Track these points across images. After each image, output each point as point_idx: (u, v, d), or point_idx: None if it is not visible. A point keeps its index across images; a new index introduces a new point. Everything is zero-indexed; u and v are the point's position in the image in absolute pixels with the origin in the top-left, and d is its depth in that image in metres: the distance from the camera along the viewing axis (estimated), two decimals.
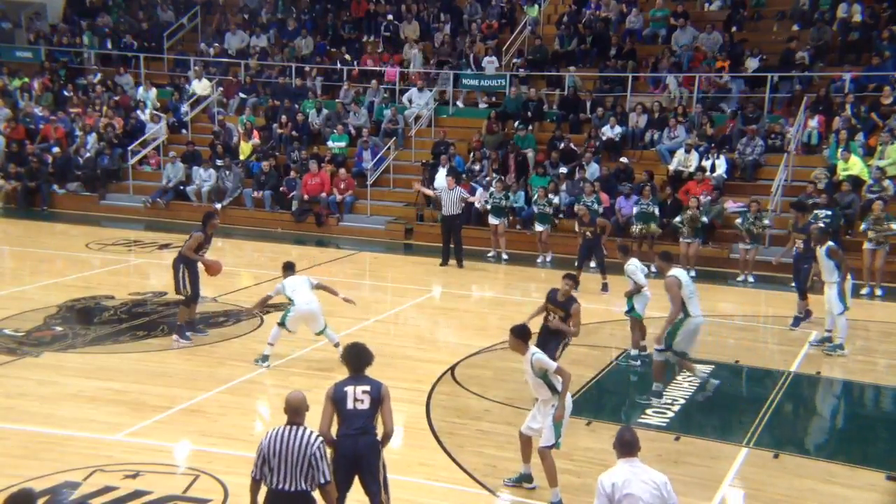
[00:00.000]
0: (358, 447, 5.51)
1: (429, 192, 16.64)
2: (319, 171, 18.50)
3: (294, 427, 4.92)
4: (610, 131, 18.19)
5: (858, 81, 17.53)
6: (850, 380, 8.79)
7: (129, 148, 20.38)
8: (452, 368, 9.48)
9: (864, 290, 13.27)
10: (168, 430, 7.78)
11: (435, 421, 8.08)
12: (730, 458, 7.39)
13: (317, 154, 19.26)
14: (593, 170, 17.13)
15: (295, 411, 5.00)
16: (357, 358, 5.74)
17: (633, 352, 9.97)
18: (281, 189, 18.73)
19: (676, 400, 8.69)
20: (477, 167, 18.13)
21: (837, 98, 17.31)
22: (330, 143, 19.65)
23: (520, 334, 6.49)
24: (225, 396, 8.64)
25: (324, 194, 18.32)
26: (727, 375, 9.69)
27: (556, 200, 16.37)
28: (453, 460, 7.26)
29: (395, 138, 19.50)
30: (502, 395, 8.72)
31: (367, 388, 5.60)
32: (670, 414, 8.33)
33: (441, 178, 18.22)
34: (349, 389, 5.58)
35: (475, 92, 20.80)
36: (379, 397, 5.59)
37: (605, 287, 13.28)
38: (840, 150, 15.72)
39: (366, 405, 5.55)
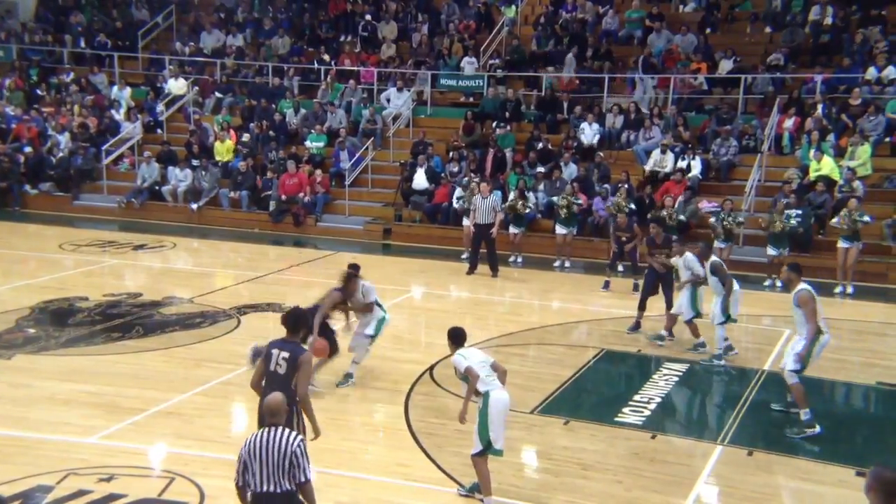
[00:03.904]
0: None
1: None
2: (297, 172, 18.44)
3: (272, 428, 4.92)
4: (587, 133, 18.30)
5: (829, 83, 17.81)
6: (821, 378, 8.90)
7: (104, 147, 20.17)
8: (431, 368, 9.49)
9: (836, 289, 13.48)
10: (143, 433, 7.71)
11: (413, 421, 8.09)
12: (705, 456, 7.48)
13: (294, 154, 19.20)
14: (571, 170, 17.23)
15: (272, 413, 5.00)
16: (293, 320, 6.05)
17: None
18: (258, 189, 18.67)
19: (653, 398, 8.77)
20: (455, 168, 18.17)
21: (809, 99, 17.57)
22: (308, 144, 19.58)
23: (449, 336, 6.67)
24: (201, 398, 8.58)
25: (302, 195, 18.26)
26: (702, 374, 9.82)
27: (533, 200, 16.45)
28: (432, 460, 7.27)
29: (373, 138, 19.48)
30: None
31: (287, 355, 5.87)
32: (647, 412, 8.40)
33: (420, 177, 18.27)
34: (274, 352, 5.93)
35: (453, 92, 20.83)
36: (295, 365, 5.83)
37: (634, 287, 12.91)
38: (812, 150, 15.96)
39: (283, 370, 5.83)
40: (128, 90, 22.14)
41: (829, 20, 19.26)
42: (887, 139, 16.38)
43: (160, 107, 21.53)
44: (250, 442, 4.89)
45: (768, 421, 8.39)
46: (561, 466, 7.25)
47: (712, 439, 7.88)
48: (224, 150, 19.85)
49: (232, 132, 20.12)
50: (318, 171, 18.61)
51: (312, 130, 19.74)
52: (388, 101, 20.42)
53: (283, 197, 18.27)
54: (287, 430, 4.94)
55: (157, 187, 19.34)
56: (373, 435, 8.06)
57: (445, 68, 20.91)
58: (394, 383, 9.04)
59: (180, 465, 6.99)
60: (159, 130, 21.38)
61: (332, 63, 21.90)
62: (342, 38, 23.06)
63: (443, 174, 18.13)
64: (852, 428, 8.36)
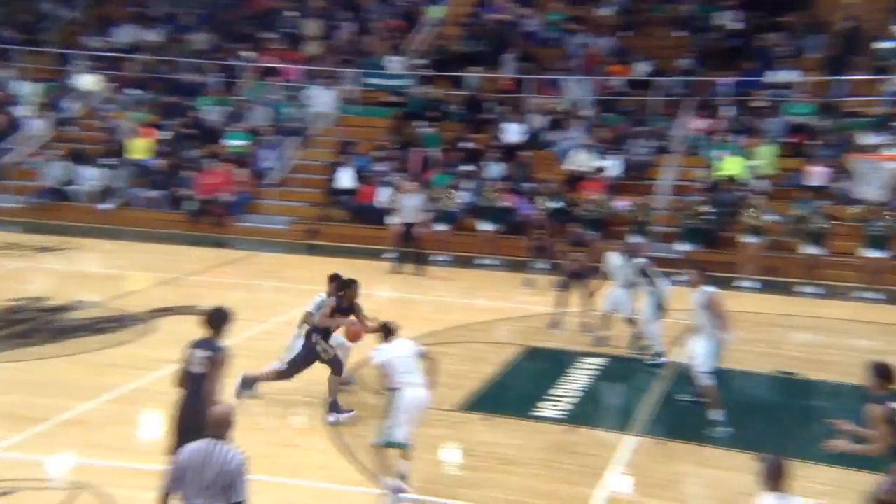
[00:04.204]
0: (185, 406, 5.81)
1: None
2: (217, 170, 18.14)
3: (215, 442, 4.65)
4: (510, 132, 18.66)
5: (737, 86, 18.67)
6: (727, 368, 9.39)
7: (8, 146, 19.33)
8: (356, 368, 9.57)
9: (743, 283, 14.21)
10: (48, 443, 7.40)
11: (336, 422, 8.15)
12: (618, 447, 7.83)
13: (214, 152, 18.88)
14: (496, 169, 17.56)
15: (217, 425, 4.73)
16: (215, 319, 6.01)
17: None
18: (174, 188, 18.27)
19: (572, 392, 9.09)
20: (381, 167, 18.24)
21: (717, 102, 18.40)
22: (228, 142, 19.28)
23: (383, 330, 7.01)
24: (110, 406, 8.33)
25: (222, 194, 17.98)
26: (619, 367, 10.23)
27: (458, 199, 16.70)
28: (355, 461, 7.34)
29: (297, 137, 19.34)
30: None
31: (207, 353, 5.85)
32: (565, 406, 8.72)
33: (347, 177, 18.25)
34: (194, 351, 5.88)
35: (380, 91, 20.86)
36: (213, 363, 5.81)
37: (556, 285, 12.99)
38: (720, 151, 16.75)
39: (201, 369, 5.81)
40: (34, 86, 21.26)
41: (734, 25, 20.16)
42: (788, 139, 17.32)
43: (70, 103, 20.77)
44: (190, 451, 4.63)
45: (677, 411, 8.83)
46: (482, 462, 7.47)
47: (626, 430, 8.25)
48: (139, 148, 19.33)
49: (148, 130, 19.61)
50: (239, 170, 18.36)
51: (233, 128, 19.45)
52: (313, 99, 20.30)
53: (202, 196, 17.95)
54: (230, 448, 4.67)
55: (65, 187, 18.69)
56: (291, 438, 7.97)
57: (371, 67, 20.92)
58: (318, 384, 9.05)
59: (89, 477, 6.73)
60: (69, 128, 20.65)
61: (254, 60, 21.61)
62: (264, 35, 22.78)
63: (369, 173, 18.18)
64: (753, 415, 8.86)
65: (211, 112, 20.09)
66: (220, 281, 13.87)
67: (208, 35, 22.66)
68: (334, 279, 8.66)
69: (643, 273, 10.19)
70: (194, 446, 4.68)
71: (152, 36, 22.87)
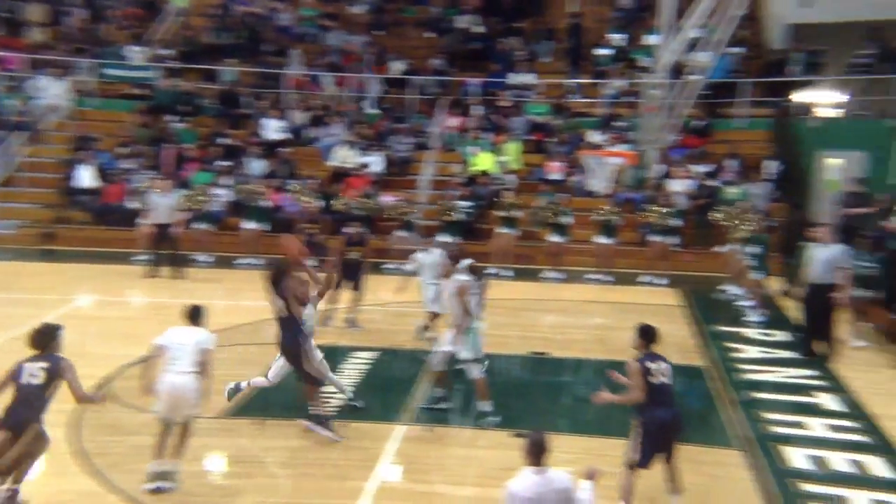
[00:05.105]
0: (18, 416, 5.89)
1: None
2: None
3: None
4: (270, 128, 18.25)
5: (484, 86, 19.89)
6: (487, 352, 9.93)
7: None
8: (104, 382, 8.82)
9: (492, 270, 15.19)
10: None
11: (84, 442, 7.48)
12: (387, 438, 7.99)
13: None
14: (257, 166, 17.07)
15: None
16: (40, 338, 6.13)
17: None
18: None
19: (343, 387, 9.09)
20: (128, 164, 16.93)
21: (468, 101, 19.48)
22: None
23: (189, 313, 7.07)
24: None
25: None
26: (389, 360, 10.45)
27: (218, 197, 16.04)
28: (105, 482, 6.81)
29: (24, 132, 17.30)
30: None
31: (46, 364, 5.98)
32: (337, 402, 8.72)
33: (86, 175, 16.66)
34: (27, 365, 5.98)
35: (121, 83, 19.35)
36: (57, 373, 5.98)
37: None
38: (472, 147, 17.77)
39: (39, 380, 5.93)
40: None
41: (477, 28, 21.43)
42: (530, 137, 18.81)
43: None
44: None
45: (447, 398, 9.21)
46: (251, 468, 7.26)
47: (395, 420, 8.45)
48: None
49: None
50: None
51: None
52: (41, 90, 18.27)
53: None
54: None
55: None
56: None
57: (110, 57, 19.30)
58: (63, 402, 8.17)
59: None
60: None
61: None
62: None
63: (113, 171, 16.79)
64: (510, 394, 9.49)
65: None
66: None
67: None
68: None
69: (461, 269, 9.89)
70: None
71: None
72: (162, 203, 14.32)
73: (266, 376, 8.37)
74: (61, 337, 6.26)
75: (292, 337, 7.82)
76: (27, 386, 5.88)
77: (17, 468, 6.00)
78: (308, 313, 8.04)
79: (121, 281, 13.88)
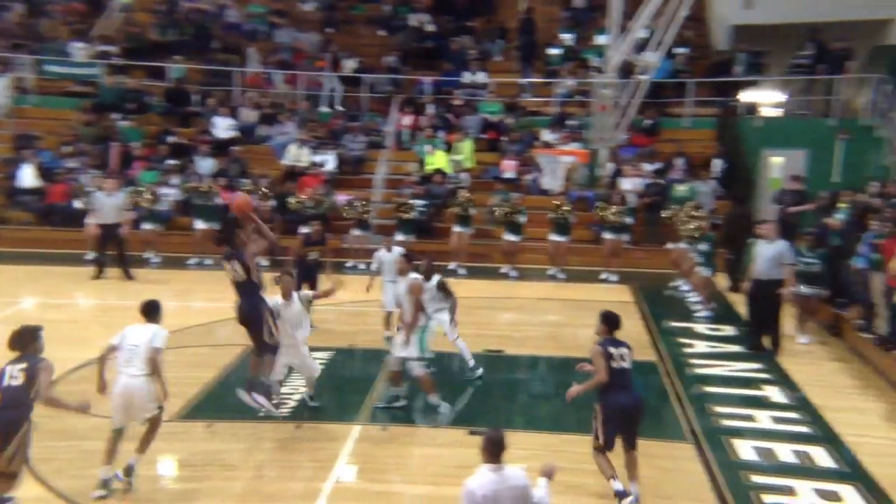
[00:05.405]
0: (5, 418, 5.88)
1: None
2: None
3: None
4: (219, 127, 17.96)
5: (437, 85, 19.91)
6: (441, 351, 9.94)
7: None
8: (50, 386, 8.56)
9: (451, 266, 15.23)
10: None
11: (34, 447, 7.23)
12: (344, 438, 7.95)
13: None
14: (207, 164, 16.80)
15: None
16: (18, 340, 6.14)
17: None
18: None
19: (298, 389, 9.03)
20: (72, 163, 16.49)
21: (421, 99, 19.46)
22: None
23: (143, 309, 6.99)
24: None
25: None
26: (344, 360, 10.39)
27: (166, 196, 15.75)
28: (49, 489, 6.65)
29: None
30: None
31: (24, 365, 5.99)
32: (292, 403, 8.64)
33: (27, 175, 16.18)
34: (8, 368, 5.99)
35: (63, 80, 18.83)
36: (35, 372, 5.96)
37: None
38: (426, 146, 17.77)
39: (19, 381, 5.93)
40: None
41: (430, 27, 21.44)
42: (484, 136, 18.90)
43: None
44: None
45: (400, 396, 9.20)
46: (202, 471, 7.15)
47: (351, 420, 8.41)
48: None
49: None
50: None
51: None
52: None
53: None
54: None
55: None
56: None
57: (51, 53, 18.76)
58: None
59: None
60: None
61: None
62: None
63: (57, 170, 16.33)
64: (465, 392, 9.55)
65: None
66: None
67: None
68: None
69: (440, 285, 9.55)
70: None
71: None
72: (108, 203, 13.98)
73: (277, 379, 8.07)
74: (42, 338, 6.24)
75: (251, 303, 7.39)
76: (9, 388, 5.92)
77: (14, 469, 5.94)
78: (296, 310, 7.85)
79: (67, 283, 13.52)
